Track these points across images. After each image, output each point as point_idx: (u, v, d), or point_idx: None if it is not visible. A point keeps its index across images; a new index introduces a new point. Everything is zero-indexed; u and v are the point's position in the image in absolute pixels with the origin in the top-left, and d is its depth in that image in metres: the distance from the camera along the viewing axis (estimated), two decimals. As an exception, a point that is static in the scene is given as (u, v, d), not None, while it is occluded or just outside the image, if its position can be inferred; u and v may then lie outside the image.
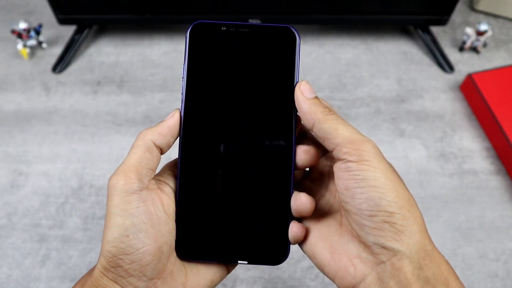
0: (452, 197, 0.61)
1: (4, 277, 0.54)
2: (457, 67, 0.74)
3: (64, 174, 0.62)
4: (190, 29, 0.28)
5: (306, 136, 0.31)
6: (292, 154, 0.28)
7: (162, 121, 0.28)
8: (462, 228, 0.58)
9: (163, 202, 0.27)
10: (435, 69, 0.74)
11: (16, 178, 0.61)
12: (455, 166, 0.63)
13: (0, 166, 0.63)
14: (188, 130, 0.28)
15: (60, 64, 0.73)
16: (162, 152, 0.28)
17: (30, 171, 0.62)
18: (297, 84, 0.28)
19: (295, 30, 0.29)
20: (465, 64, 0.75)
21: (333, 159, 0.30)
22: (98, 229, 0.57)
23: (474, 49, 0.76)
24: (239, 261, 0.28)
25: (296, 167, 0.28)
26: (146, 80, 0.72)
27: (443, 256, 0.25)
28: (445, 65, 0.74)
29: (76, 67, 0.74)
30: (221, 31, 0.28)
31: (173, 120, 0.28)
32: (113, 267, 0.25)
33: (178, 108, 0.28)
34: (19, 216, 0.58)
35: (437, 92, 0.72)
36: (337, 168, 0.26)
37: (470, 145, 0.66)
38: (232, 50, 0.28)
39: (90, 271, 0.27)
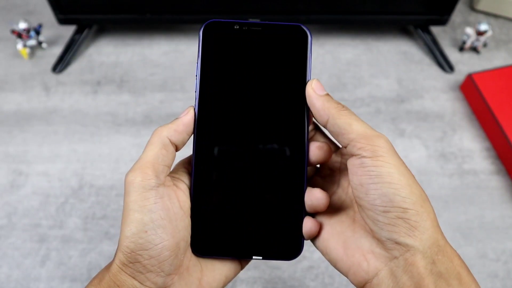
0: (452, 197, 0.61)
1: (4, 277, 0.54)
2: (457, 67, 0.74)
3: (64, 174, 0.62)
4: (204, 28, 0.29)
5: (317, 133, 0.31)
6: (305, 150, 0.28)
7: (177, 118, 0.28)
8: (462, 228, 0.58)
9: (179, 198, 0.27)
10: (435, 69, 0.74)
11: (16, 178, 0.61)
12: (455, 166, 0.63)
13: (0, 166, 0.63)
14: (202, 127, 0.28)
15: (60, 64, 0.73)
16: (177, 149, 0.28)
17: (30, 171, 0.62)
18: (308, 82, 0.28)
19: (307, 28, 0.29)
20: (465, 64, 0.75)
21: (343, 155, 0.30)
22: (98, 229, 0.57)
23: (474, 49, 0.76)
24: (253, 257, 0.28)
25: (309, 163, 0.28)
26: (146, 80, 0.72)
27: (455, 251, 0.25)
28: (445, 65, 0.74)
29: (76, 67, 0.74)
30: (233, 30, 0.29)
31: (188, 117, 0.28)
32: (131, 262, 0.25)
33: (192, 106, 0.28)
34: (19, 216, 0.58)
35: (437, 92, 0.72)
36: (351, 164, 0.26)
37: (470, 145, 0.66)
38: (244, 49, 0.29)
39: (108, 267, 0.27)
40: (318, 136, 0.31)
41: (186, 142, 0.28)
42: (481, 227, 0.58)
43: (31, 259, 0.55)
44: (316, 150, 0.28)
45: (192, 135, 0.28)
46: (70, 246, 0.56)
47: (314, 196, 0.27)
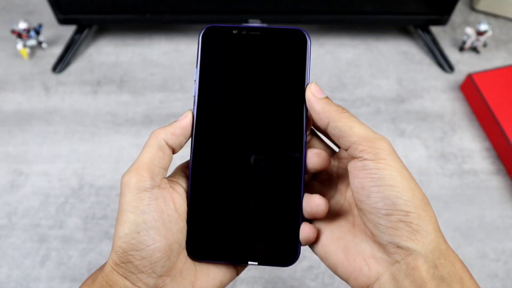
0: (452, 197, 0.61)
1: (4, 277, 0.54)
2: (457, 67, 0.74)
3: (64, 174, 0.62)
4: (203, 33, 0.29)
5: (313, 138, 0.31)
6: (303, 156, 0.28)
7: (175, 121, 0.28)
8: (462, 228, 0.58)
9: (175, 201, 0.27)
10: (435, 69, 0.74)
11: (16, 178, 0.61)
12: (455, 166, 0.63)
13: (0, 166, 0.63)
14: (200, 131, 0.28)
15: (60, 64, 0.73)
16: (174, 151, 0.28)
17: (30, 171, 0.62)
18: (307, 86, 0.28)
19: (306, 32, 0.29)
20: (465, 64, 0.75)
21: (341, 159, 0.30)
22: (98, 229, 0.57)
23: (474, 49, 0.76)
24: (249, 262, 0.28)
25: (306, 170, 0.28)
26: (146, 80, 0.72)
27: (457, 255, 0.25)
28: (445, 65, 0.74)
29: (76, 67, 0.74)
30: (232, 35, 0.29)
31: (186, 121, 0.28)
32: (123, 262, 0.25)
33: (190, 109, 0.29)
34: (19, 216, 0.58)
35: (437, 92, 0.72)
36: (353, 166, 0.26)
37: (470, 145, 0.66)
38: (243, 53, 0.29)
39: (102, 267, 0.27)
40: (315, 142, 0.31)
41: (184, 145, 0.28)
42: (481, 227, 0.58)
43: (31, 259, 0.55)
44: (313, 157, 0.28)
45: (190, 139, 0.28)
46: (70, 246, 0.56)
47: (313, 203, 0.27)
